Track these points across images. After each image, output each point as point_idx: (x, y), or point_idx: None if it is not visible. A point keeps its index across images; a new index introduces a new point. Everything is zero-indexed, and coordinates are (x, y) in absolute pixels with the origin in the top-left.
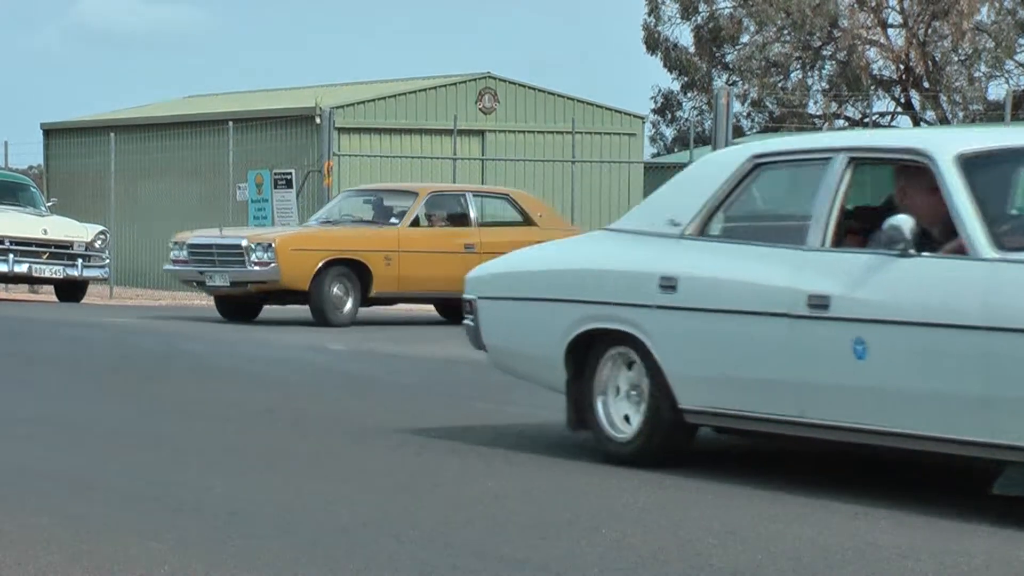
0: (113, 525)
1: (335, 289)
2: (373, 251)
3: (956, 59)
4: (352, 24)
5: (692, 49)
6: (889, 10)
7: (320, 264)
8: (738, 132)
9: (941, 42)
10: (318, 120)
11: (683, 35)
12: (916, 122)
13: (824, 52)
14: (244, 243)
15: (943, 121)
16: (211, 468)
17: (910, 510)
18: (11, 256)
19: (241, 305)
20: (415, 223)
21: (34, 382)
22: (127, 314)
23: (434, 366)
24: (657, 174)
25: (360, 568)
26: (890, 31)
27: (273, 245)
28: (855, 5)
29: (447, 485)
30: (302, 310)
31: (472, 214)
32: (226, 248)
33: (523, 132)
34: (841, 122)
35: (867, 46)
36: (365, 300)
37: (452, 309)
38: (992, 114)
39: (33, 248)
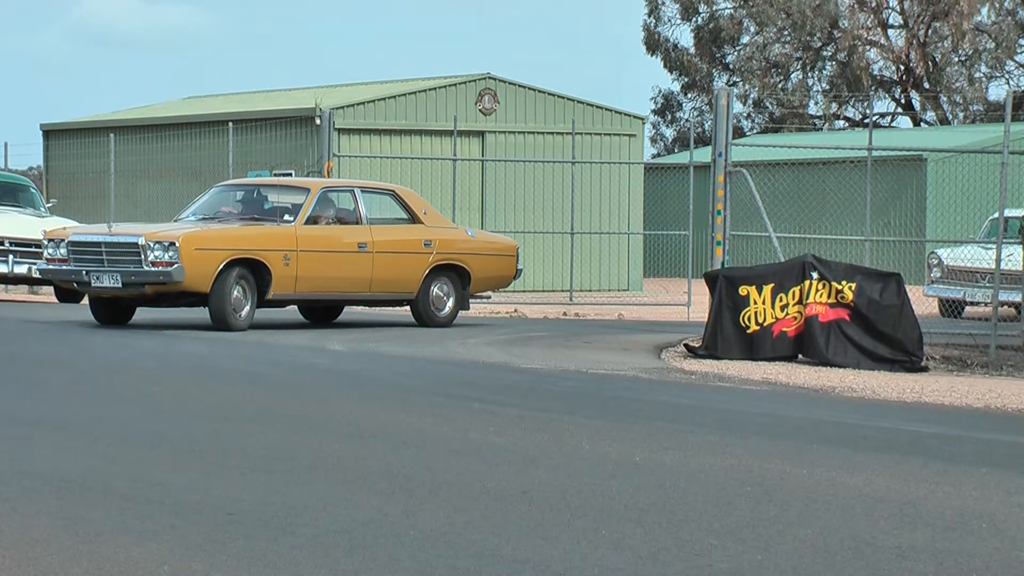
0: (113, 525)
1: (235, 291)
2: (272, 250)
3: (956, 60)
4: (352, 24)
5: (692, 50)
6: (889, 11)
7: (222, 264)
8: (738, 133)
9: (941, 43)
10: (318, 121)
11: (683, 36)
12: (916, 122)
13: (824, 53)
14: (141, 241)
15: (943, 122)
16: (211, 468)
17: (910, 509)
18: (11, 257)
19: (117, 308)
20: (311, 221)
21: (34, 383)
22: None
23: (434, 366)
24: (657, 175)
25: (360, 568)
26: (890, 32)
27: (176, 244)
28: (855, 6)
29: (447, 485)
30: (189, 313)
31: (362, 211)
32: (118, 246)
33: (523, 133)
34: (841, 123)
35: (867, 47)
36: (261, 302)
37: (323, 311)
38: (992, 115)
39: (33, 249)
